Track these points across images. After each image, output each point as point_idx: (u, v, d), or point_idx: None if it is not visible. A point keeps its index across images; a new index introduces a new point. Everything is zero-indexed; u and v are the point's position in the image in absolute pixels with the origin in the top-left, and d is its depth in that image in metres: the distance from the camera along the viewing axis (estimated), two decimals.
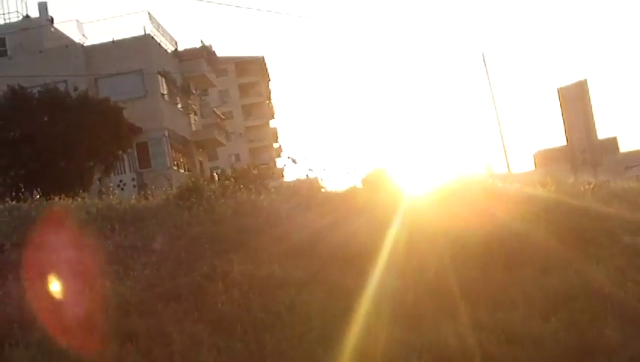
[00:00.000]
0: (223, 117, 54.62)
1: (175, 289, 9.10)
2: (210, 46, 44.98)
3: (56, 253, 10.05)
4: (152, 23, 38.04)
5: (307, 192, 14.60)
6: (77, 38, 37.20)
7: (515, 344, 7.54)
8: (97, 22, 36.85)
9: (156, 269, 9.80)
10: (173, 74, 39.07)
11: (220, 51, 51.32)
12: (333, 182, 16.10)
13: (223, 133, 47.26)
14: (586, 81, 25.69)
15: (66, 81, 32.11)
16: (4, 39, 36.99)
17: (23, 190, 14.87)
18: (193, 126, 43.16)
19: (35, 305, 8.26)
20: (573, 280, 9.06)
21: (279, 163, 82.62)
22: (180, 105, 40.65)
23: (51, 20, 38.36)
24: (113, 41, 36.40)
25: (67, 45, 36.65)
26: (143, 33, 36.88)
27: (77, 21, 37.63)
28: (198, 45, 43.86)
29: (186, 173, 36.49)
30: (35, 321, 7.89)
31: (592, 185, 15.70)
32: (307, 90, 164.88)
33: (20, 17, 38.98)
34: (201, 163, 43.28)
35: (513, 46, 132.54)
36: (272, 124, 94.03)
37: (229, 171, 34.36)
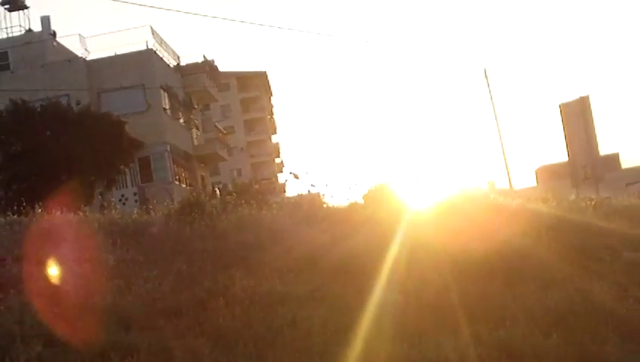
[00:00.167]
0: (224, 132, 54.78)
1: (176, 304, 9.09)
2: (213, 61, 45.16)
3: (57, 267, 10.08)
4: (154, 37, 38.21)
5: (309, 208, 14.62)
6: (79, 52, 37.38)
7: (516, 360, 7.53)
8: (100, 36, 36.93)
9: (158, 284, 9.79)
10: (175, 88, 39.20)
11: (222, 66, 51.79)
12: (335, 198, 16.15)
13: (225, 148, 47.38)
14: (588, 97, 25.56)
15: (68, 95, 32.29)
16: (6, 53, 37.15)
17: (24, 204, 14.87)
18: (195, 140, 43.26)
19: (37, 319, 8.27)
20: (574, 296, 9.06)
21: (281, 178, 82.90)
22: (182, 120, 40.74)
23: (54, 34, 38.53)
24: (115, 56, 36.56)
25: (70, 59, 36.81)
26: (145, 48, 37.07)
27: (79, 35, 37.90)
28: (200, 60, 43.99)
29: (188, 187, 36.53)
30: (37, 335, 7.89)
31: (593, 202, 15.69)
32: (309, 106, 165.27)
33: (23, 31, 39.22)
34: (202, 178, 43.33)
35: (515, 62, 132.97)
36: (274, 139, 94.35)
37: (230, 186, 34.43)
